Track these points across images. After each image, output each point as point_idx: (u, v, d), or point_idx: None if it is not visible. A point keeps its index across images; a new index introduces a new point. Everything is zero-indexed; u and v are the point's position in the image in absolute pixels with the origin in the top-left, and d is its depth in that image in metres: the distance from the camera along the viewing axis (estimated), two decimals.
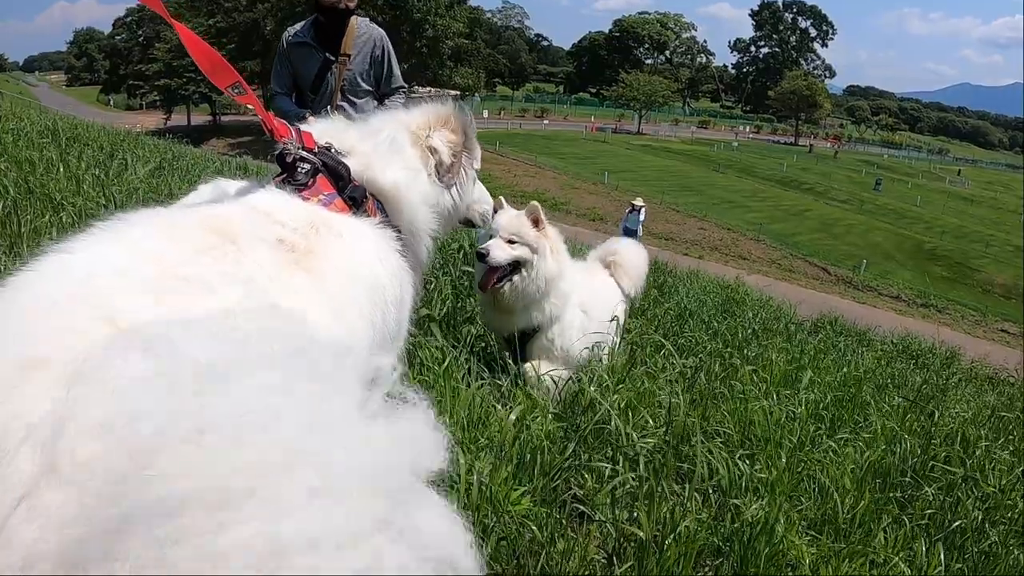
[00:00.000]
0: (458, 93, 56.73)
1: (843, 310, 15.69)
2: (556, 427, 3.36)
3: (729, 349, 6.08)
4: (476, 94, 65.05)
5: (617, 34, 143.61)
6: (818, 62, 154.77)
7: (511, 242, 4.06)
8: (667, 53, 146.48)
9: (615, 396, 3.71)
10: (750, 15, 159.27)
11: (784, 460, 3.59)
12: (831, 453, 4.02)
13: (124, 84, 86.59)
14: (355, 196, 2.27)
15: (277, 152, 2.25)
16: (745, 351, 6.15)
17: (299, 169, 2.20)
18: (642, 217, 24.49)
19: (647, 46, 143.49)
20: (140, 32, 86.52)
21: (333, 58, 5.59)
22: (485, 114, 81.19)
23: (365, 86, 5.77)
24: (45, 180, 6.23)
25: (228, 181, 2.25)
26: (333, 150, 2.38)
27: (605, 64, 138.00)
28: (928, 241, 46.87)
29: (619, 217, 40.16)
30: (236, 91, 2.20)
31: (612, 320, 4.66)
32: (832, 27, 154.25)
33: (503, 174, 48.08)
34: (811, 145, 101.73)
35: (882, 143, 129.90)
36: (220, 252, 1.61)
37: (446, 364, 3.68)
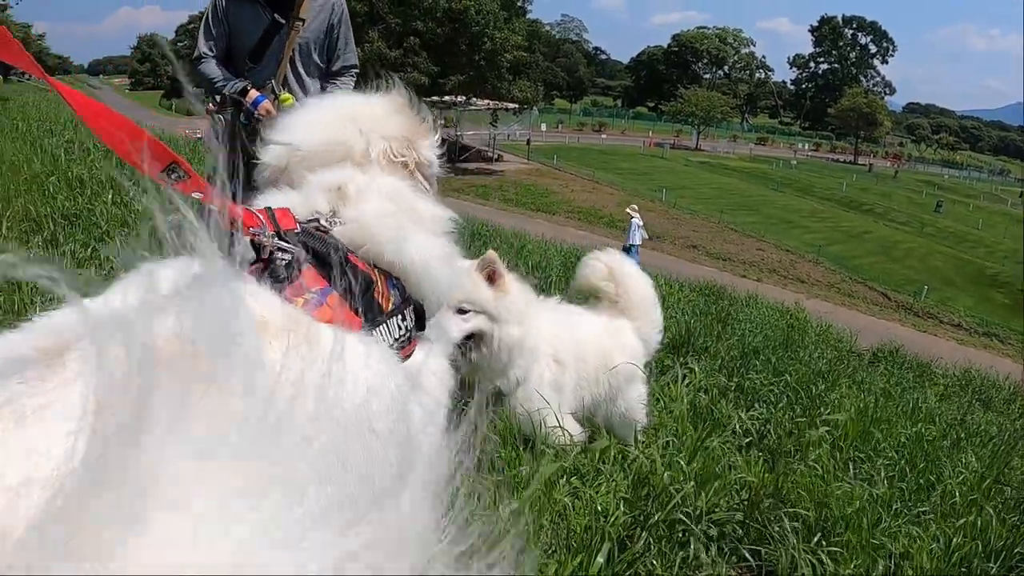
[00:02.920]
0: (516, 107, 57.05)
1: (904, 339, 15.41)
2: (625, 516, 3.10)
3: (799, 399, 5.72)
4: (534, 107, 65.22)
5: (676, 49, 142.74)
6: (878, 79, 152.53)
7: (462, 312, 3.34)
8: (725, 68, 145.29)
9: (690, 482, 3.34)
10: (809, 31, 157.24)
11: (862, 543, 3.34)
12: (913, 535, 3.71)
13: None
14: (354, 287, 1.79)
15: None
16: (813, 392, 5.88)
17: (277, 261, 1.70)
18: (632, 228, 24.06)
19: (705, 61, 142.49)
20: None
21: (284, 20, 4.71)
22: (543, 127, 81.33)
23: (318, 60, 4.96)
24: (93, 203, 6.19)
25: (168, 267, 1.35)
26: (321, 223, 1.93)
27: (663, 79, 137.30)
28: (990, 266, 45.97)
29: (677, 235, 40.37)
30: (176, 178, 1.60)
31: (614, 368, 3.94)
32: (892, 43, 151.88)
33: (560, 189, 48.22)
34: (871, 164, 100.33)
35: (942, 162, 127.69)
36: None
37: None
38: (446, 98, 55.43)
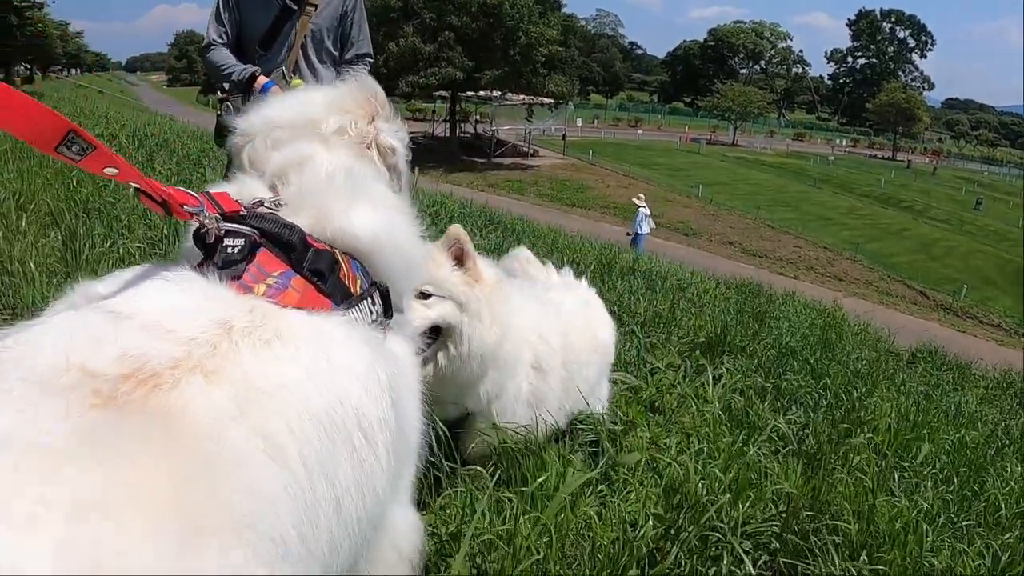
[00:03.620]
0: (551, 102, 56.91)
1: (943, 339, 15.15)
2: (655, 529, 2.91)
3: (838, 403, 5.58)
4: (570, 102, 65.00)
5: (712, 43, 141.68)
6: (916, 74, 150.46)
7: (424, 296, 2.72)
8: (762, 63, 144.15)
9: (725, 493, 3.15)
10: (847, 25, 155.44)
11: (908, 563, 3.16)
12: (957, 551, 3.51)
13: None
14: (319, 268, 1.60)
15: (194, 231, 1.55)
16: (853, 396, 5.74)
17: (227, 248, 1.52)
18: (639, 217, 24.63)
19: (742, 56, 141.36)
20: None
21: (295, 7, 4.59)
22: (579, 122, 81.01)
23: (331, 48, 4.83)
24: (116, 197, 6.17)
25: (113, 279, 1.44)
26: (267, 205, 1.71)
27: (699, 73, 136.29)
28: None
29: (713, 231, 40.18)
30: (75, 151, 1.24)
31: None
32: (931, 37, 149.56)
33: (596, 184, 48.06)
34: (909, 160, 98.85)
35: (982, 159, 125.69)
36: None
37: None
38: (481, 93, 55.48)
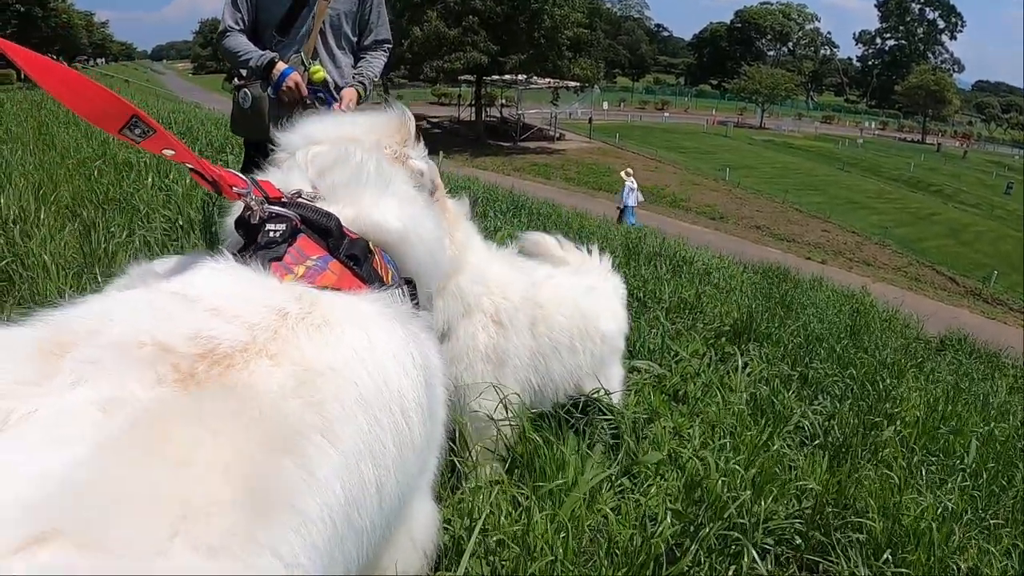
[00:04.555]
0: (577, 85, 56.75)
1: (972, 326, 14.88)
2: (674, 527, 2.83)
3: (864, 394, 5.42)
4: (595, 85, 64.78)
5: (739, 25, 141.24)
6: (946, 56, 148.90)
7: None
8: (790, 45, 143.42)
9: (747, 490, 3.06)
10: (876, 6, 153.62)
11: (932, 564, 3.06)
12: (983, 549, 3.38)
13: None
14: (355, 253, 1.67)
15: (237, 217, 1.66)
16: (880, 387, 5.57)
17: (269, 232, 1.60)
18: (625, 190, 25.76)
19: (769, 37, 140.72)
20: None
21: None
22: (605, 106, 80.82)
23: (349, 33, 4.75)
24: (137, 187, 6.19)
25: (164, 263, 1.55)
26: (304, 197, 1.79)
27: (726, 56, 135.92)
28: None
29: (740, 215, 39.96)
30: (138, 133, 1.38)
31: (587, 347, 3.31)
32: (961, 18, 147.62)
33: (622, 167, 47.99)
34: (939, 144, 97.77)
35: (1012, 143, 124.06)
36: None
37: None
38: (506, 77, 55.39)
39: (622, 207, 25.41)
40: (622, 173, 26.84)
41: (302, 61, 4.49)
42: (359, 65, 4.82)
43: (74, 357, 1.09)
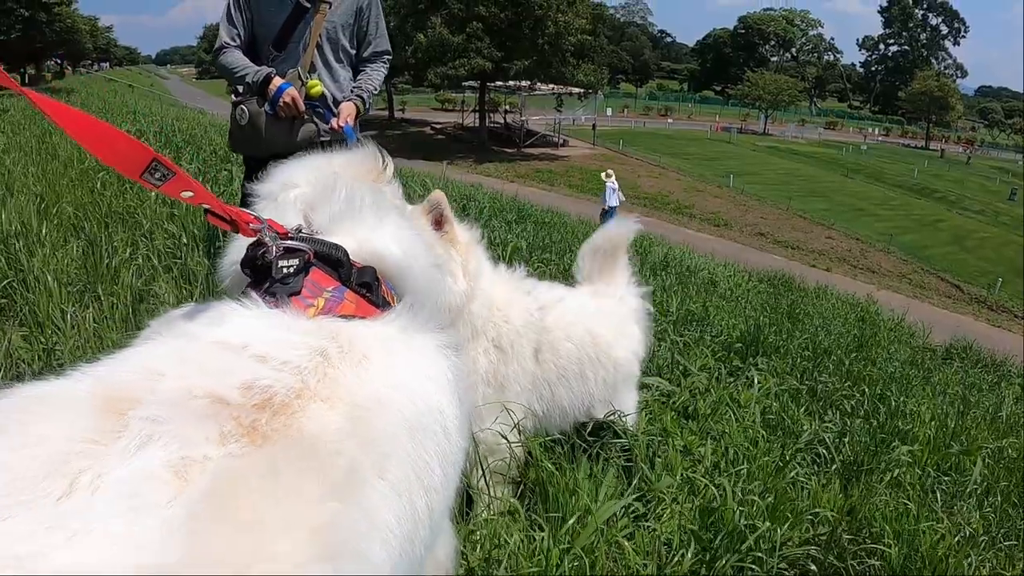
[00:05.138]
0: (581, 91, 56.79)
1: (977, 334, 14.95)
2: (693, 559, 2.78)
3: (875, 411, 5.32)
4: (599, 91, 64.80)
5: (742, 31, 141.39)
6: (949, 61, 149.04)
7: None
8: (793, 51, 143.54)
9: (765, 521, 2.99)
10: (879, 11, 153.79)
11: None
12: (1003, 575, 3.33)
13: None
14: (367, 281, 1.68)
15: (244, 256, 1.65)
16: (892, 405, 5.45)
17: (282, 268, 1.58)
18: (607, 191, 26.56)
19: (773, 43, 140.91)
20: None
21: (309, 4, 4.40)
22: (608, 112, 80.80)
23: (347, 46, 4.65)
24: (140, 200, 6.15)
25: (183, 311, 1.51)
26: (304, 232, 1.75)
27: (730, 62, 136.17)
28: None
29: (745, 222, 39.92)
30: (157, 177, 1.45)
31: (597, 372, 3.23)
32: (964, 24, 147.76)
33: (626, 174, 47.74)
34: (942, 149, 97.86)
35: (1016, 148, 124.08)
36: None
37: None
38: (510, 83, 55.49)
39: (606, 208, 25.79)
40: (602, 175, 27.40)
41: (299, 75, 4.41)
42: (358, 78, 4.74)
43: (137, 415, 1.05)
